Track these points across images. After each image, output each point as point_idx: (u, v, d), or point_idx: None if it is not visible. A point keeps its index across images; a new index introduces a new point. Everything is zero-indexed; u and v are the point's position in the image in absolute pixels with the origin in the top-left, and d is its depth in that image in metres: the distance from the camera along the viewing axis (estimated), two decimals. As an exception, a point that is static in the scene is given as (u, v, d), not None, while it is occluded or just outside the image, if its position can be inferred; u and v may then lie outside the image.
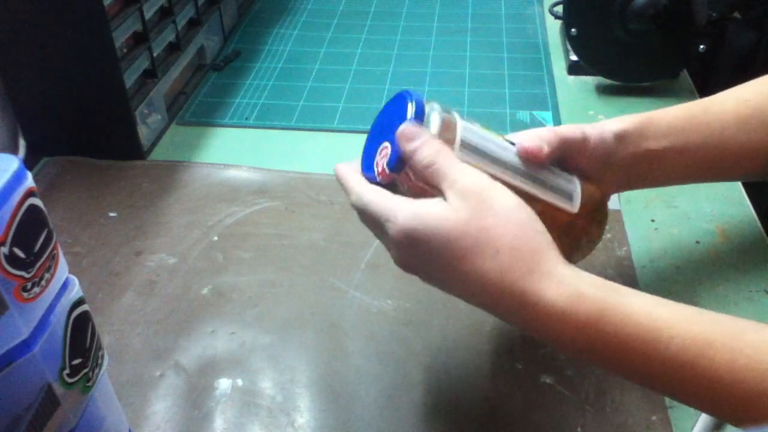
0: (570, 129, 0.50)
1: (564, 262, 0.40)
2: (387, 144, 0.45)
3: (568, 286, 0.39)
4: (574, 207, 0.48)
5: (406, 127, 0.43)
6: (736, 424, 0.38)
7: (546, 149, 0.46)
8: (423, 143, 0.43)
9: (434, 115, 0.45)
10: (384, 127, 0.46)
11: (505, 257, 0.39)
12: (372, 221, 0.44)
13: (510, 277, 0.39)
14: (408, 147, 0.43)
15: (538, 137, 0.47)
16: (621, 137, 0.53)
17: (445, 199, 0.41)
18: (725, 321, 0.38)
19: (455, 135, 0.44)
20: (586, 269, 0.41)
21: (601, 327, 0.38)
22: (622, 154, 0.53)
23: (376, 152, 0.46)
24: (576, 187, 0.49)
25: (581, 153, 0.50)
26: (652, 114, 0.55)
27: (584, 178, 0.51)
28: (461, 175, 0.42)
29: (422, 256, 0.41)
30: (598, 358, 0.40)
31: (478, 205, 0.40)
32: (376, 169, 0.45)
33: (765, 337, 0.37)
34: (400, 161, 0.43)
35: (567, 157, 0.50)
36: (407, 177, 0.44)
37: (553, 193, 0.47)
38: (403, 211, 0.41)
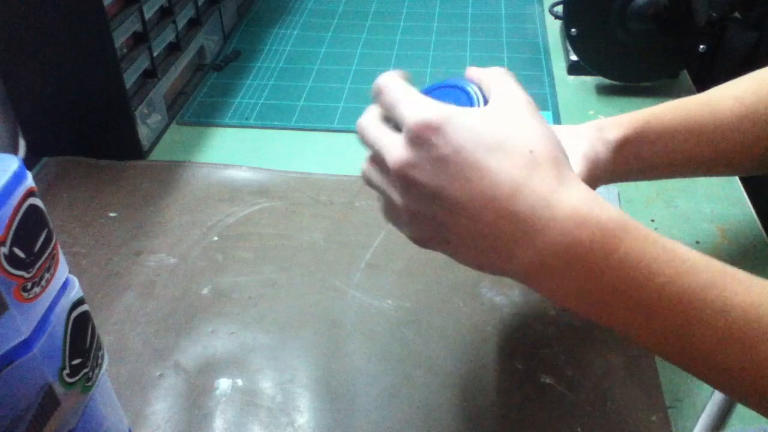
0: (589, 148, 0.50)
1: (584, 184, 0.39)
2: None
3: (593, 195, 0.37)
4: None
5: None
6: (740, 384, 0.35)
7: None
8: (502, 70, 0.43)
9: None
10: None
11: (537, 156, 0.37)
12: (391, 105, 0.41)
13: (537, 177, 0.36)
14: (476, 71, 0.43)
15: None
16: (620, 146, 0.53)
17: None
18: (739, 270, 0.37)
19: None
20: None
21: (620, 237, 0.35)
22: (617, 160, 0.53)
23: None
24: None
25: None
26: (646, 115, 0.55)
27: None
28: (515, 89, 0.41)
29: (443, 150, 0.37)
30: (602, 289, 0.36)
31: (517, 111, 0.39)
32: None
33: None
34: None
35: None
36: None
37: None
38: (440, 104, 0.39)
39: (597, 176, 0.52)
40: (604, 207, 0.36)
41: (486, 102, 0.42)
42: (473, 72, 0.44)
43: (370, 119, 0.43)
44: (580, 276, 0.36)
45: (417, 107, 0.38)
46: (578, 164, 0.51)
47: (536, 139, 0.38)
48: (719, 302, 0.34)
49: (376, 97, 0.43)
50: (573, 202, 0.36)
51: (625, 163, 0.54)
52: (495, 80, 0.42)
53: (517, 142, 0.37)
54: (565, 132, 0.53)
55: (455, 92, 0.43)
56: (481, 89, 0.43)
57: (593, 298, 0.36)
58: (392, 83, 0.42)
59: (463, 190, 0.37)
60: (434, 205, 0.38)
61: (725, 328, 0.34)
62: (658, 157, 0.55)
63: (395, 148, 0.39)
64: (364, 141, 0.43)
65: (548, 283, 0.37)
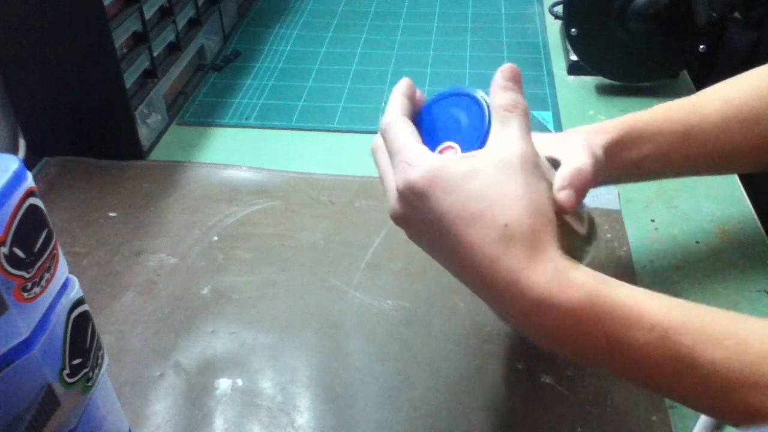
0: (585, 168, 0.48)
1: (560, 252, 0.39)
2: (453, 145, 0.43)
3: (562, 272, 0.38)
4: (584, 228, 0.48)
5: (511, 67, 0.43)
6: (718, 418, 0.39)
7: (574, 198, 0.45)
8: (516, 90, 0.43)
9: None
10: (448, 126, 0.44)
11: (512, 230, 0.38)
12: (390, 153, 0.42)
13: (506, 254, 0.38)
14: (500, 81, 0.42)
15: (570, 185, 0.45)
16: (608, 151, 0.53)
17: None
18: (709, 313, 0.38)
19: None
20: None
21: (587, 313, 0.37)
22: (606, 165, 0.53)
23: (433, 149, 0.43)
24: (584, 207, 0.49)
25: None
26: (633, 119, 0.55)
27: None
28: (520, 130, 0.41)
29: (428, 214, 0.39)
30: (578, 350, 0.39)
31: (507, 169, 0.39)
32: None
33: (748, 328, 0.37)
34: None
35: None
36: None
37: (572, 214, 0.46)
38: (428, 161, 0.40)
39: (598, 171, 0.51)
40: (572, 285, 0.38)
41: (488, 130, 0.41)
42: (495, 92, 0.43)
43: (381, 147, 0.44)
44: (554, 342, 0.39)
45: (404, 167, 0.40)
46: (583, 156, 0.49)
47: (515, 210, 0.38)
48: (689, 361, 0.36)
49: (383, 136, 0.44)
50: (540, 284, 0.38)
51: (615, 167, 0.54)
52: (502, 117, 0.41)
53: (495, 214, 0.38)
54: (555, 140, 0.52)
55: (466, 102, 0.43)
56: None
57: (568, 354, 0.40)
58: (396, 127, 0.43)
59: (448, 251, 0.40)
60: (434, 251, 0.42)
61: (697, 381, 0.37)
62: (646, 160, 0.55)
63: (391, 198, 0.42)
64: (384, 135, 0.44)
65: (528, 335, 0.41)
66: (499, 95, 0.42)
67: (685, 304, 0.38)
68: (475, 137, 0.42)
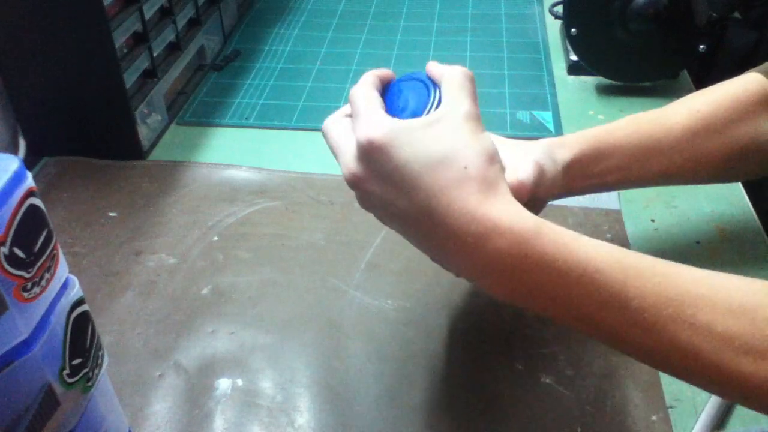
0: (528, 175, 0.51)
1: (511, 196, 0.42)
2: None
3: (514, 206, 0.41)
4: None
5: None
6: (647, 361, 0.40)
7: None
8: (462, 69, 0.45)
9: None
10: (402, 102, 0.47)
11: (470, 173, 0.40)
12: (354, 115, 0.43)
13: (467, 191, 0.40)
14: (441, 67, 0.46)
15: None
16: (569, 166, 0.55)
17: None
18: (645, 257, 0.40)
19: None
20: None
21: (534, 242, 0.39)
22: (569, 178, 0.55)
23: None
24: None
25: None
26: (598, 132, 0.57)
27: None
28: (465, 99, 0.44)
29: (389, 165, 0.41)
30: (528, 285, 0.40)
31: (460, 127, 0.42)
32: None
33: (678, 270, 0.39)
34: None
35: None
36: None
37: None
38: (394, 120, 0.42)
39: (545, 185, 0.53)
40: (523, 217, 0.40)
41: (440, 102, 0.44)
42: (433, 69, 0.46)
43: (333, 121, 0.46)
44: (504, 277, 0.40)
45: (367, 125, 0.41)
46: (529, 169, 0.52)
47: (471, 156, 0.41)
48: (621, 296, 0.38)
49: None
50: (495, 214, 0.40)
51: (578, 181, 0.56)
52: (447, 86, 0.44)
53: (453, 159, 0.40)
54: (513, 145, 0.55)
55: (418, 87, 0.46)
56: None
57: (516, 293, 0.41)
58: (360, 92, 0.44)
59: (406, 202, 0.41)
60: (387, 210, 0.43)
61: (627, 317, 0.38)
62: (610, 173, 0.57)
63: (348, 160, 0.43)
64: (326, 142, 0.45)
65: (482, 282, 0.42)
66: (442, 75, 0.45)
67: (623, 249, 0.40)
68: (422, 110, 0.45)
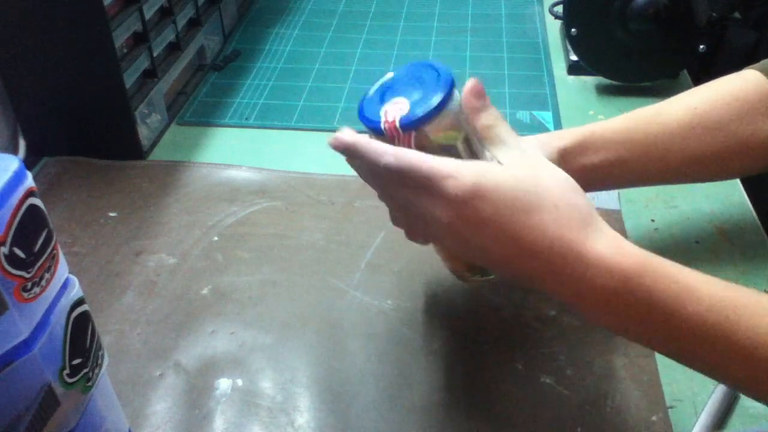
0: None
1: (607, 225, 0.42)
2: (404, 100, 0.45)
3: (615, 240, 0.41)
4: None
5: (475, 84, 0.46)
6: (757, 396, 0.41)
7: None
8: (489, 105, 0.46)
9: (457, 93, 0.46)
10: (403, 85, 0.47)
11: (563, 212, 0.41)
12: (415, 183, 0.42)
13: (567, 230, 0.41)
14: (474, 103, 0.46)
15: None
16: (562, 154, 0.54)
17: (498, 162, 0.45)
18: (750, 291, 0.40)
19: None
20: None
21: (639, 281, 0.40)
22: (563, 168, 0.54)
23: (382, 101, 0.47)
24: None
25: None
26: (594, 126, 0.57)
27: None
28: (519, 143, 0.45)
29: (484, 214, 0.41)
30: (630, 319, 0.41)
31: (536, 169, 0.43)
32: (383, 116, 0.45)
33: None
34: (417, 121, 0.44)
35: None
36: (408, 139, 0.44)
37: None
38: (467, 167, 0.42)
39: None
40: (626, 253, 0.41)
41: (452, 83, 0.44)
42: (475, 116, 0.46)
43: (392, 180, 0.44)
44: (607, 311, 0.41)
45: (449, 180, 0.41)
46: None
47: (558, 193, 0.42)
48: (732, 335, 0.39)
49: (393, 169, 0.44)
50: (598, 251, 0.40)
51: (574, 172, 0.55)
52: (495, 136, 0.45)
53: (544, 200, 0.41)
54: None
55: (428, 70, 0.46)
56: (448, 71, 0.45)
57: (618, 325, 0.42)
58: (409, 158, 0.42)
59: (504, 249, 0.42)
60: (476, 247, 0.43)
61: (736, 354, 0.39)
62: (604, 166, 0.56)
63: (439, 210, 0.42)
64: (406, 176, 0.43)
65: (580, 311, 0.43)
66: (482, 117, 0.46)
67: (723, 281, 0.41)
68: (423, 89, 0.45)
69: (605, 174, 0.56)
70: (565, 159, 0.54)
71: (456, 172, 0.41)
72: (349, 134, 0.46)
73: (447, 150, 0.45)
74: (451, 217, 0.41)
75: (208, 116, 0.86)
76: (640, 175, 0.58)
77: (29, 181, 0.34)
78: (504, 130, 0.46)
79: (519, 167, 0.44)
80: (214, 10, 0.98)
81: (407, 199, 0.44)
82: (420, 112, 0.44)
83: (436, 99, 0.44)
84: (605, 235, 0.41)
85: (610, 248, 0.40)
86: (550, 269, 0.41)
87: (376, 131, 0.45)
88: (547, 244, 0.40)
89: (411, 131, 0.44)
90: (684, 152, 0.57)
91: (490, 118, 0.46)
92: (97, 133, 0.78)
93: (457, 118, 0.45)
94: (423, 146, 0.44)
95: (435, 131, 0.44)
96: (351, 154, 0.46)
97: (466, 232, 0.42)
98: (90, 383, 0.40)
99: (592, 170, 0.56)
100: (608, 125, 0.57)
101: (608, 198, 0.70)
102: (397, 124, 0.44)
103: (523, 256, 0.41)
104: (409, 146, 0.44)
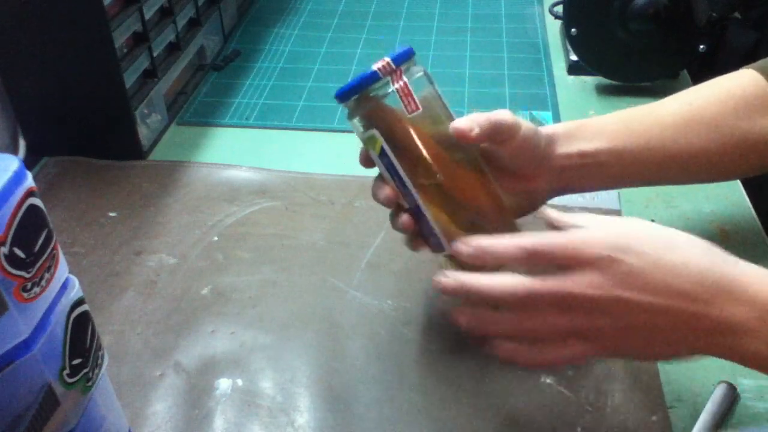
0: (504, 114, 0.51)
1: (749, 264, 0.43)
2: (386, 58, 0.51)
3: (761, 272, 0.42)
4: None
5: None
6: None
7: (476, 130, 0.48)
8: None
9: (418, 69, 0.51)
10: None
11: (698, 242, 0.43)
12: (556, 261, 0.43)
13: (719, 264, 0.42)
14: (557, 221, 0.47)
15: (471, 119, 0.49)
16: (551, 138, 0.54)
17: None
18: None
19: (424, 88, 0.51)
20: None
21: None
22: (554, 155, 0.54)
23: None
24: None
25: (511, 140, 0.51)
26: (587, 119, 0.57)
27: (517, 175, 0.53)
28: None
29: (634, 264, 0.41)
30: None
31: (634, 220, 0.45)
32: (376, 65, 0.50)
33: None
34: (405, 53, 0.51)
35: (498, 143, 0.51)
36: (400, 74, 0.50)
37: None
38: (587, 232, 0.43)
39: (538, 169, 0.54)
40: None
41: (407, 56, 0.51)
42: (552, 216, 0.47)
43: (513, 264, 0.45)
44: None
45: (583, 248, 0.42)
46: (517, 149, 0.52)
47: (675, 231, 0.43)
48: None
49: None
50: (754, 287, 0.41)
51: (567, 158, 0.55)
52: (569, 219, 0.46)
53: (677, 237, 0.43)
54: (502, 113, 0.55)
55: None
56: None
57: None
58: (541, 243, 0.43)
59: (653, 292, 0.41)
60: (601, 317, 0.42)
61: None
62: (598, 155, 0.55)
63: (588, 277, 0.42)
64: (541, 259, 0.43)
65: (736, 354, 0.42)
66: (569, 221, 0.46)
67: None
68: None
69: (600, 164, 0.55)
70: (553, 142, 0.53)
71: (586, 238, 0.42)
72: (452, 275, 0.46)
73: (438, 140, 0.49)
74: (605, 285, 0.41)
75: (208, 116, 0.86)
76: (637, 170, 0.57)
77: (29, 181, 0.34)
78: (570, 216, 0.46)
79: (622, 221, 0.45)
80: (214, 10, 0.98)
81: (553, 298, 0.43)
82: (401, 50, 0.50)
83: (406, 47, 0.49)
84: (746, 263, 0.42)
85: (759, 273, 0.42)
86: (699, 308, 0.41)
87: (366, 83, 0.50)
88: (696, 278, 0.41)
89: (400, 67, 0.50)
90: (679, 147, 0.56)
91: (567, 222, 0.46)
92: (97, 133, 0.78)
93: (431, 93, 0.50)
94: (420, 134, 0.49)
95: (415, 105, 0.49)
96: (465, 293, 0.46)
97: (627, 294, 0.41)
98: (90, 383, 0.40)
99: (583, 157, 0.55)
100: (602, 117, 0.57)
101: (608, 198, 0.70)
102: (389, 60, 0.50)
103: (668, 295, 0.41)
104: (405, 87, 0.49)
